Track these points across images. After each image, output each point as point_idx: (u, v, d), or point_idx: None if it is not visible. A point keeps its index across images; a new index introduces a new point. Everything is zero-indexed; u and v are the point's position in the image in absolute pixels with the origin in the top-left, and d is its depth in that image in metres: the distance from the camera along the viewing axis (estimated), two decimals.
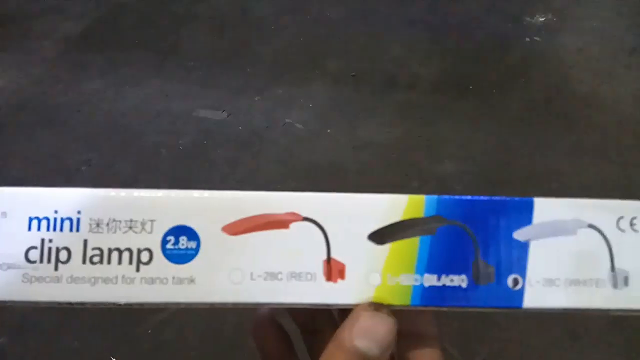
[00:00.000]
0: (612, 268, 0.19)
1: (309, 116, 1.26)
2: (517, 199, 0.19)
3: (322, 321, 0.23)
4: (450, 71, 1.38)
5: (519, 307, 0.18)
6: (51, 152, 1.19)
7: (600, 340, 0.86)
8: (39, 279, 0.18)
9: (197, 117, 1.27)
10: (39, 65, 1.41)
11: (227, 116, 1.27)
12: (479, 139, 1.20)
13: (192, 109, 1.28)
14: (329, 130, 1.23)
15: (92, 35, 1.52)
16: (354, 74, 1.37)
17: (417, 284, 0.18)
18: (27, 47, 1.47)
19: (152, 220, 0.18)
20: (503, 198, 0.19)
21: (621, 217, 0.19)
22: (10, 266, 0.18)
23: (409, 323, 0.21)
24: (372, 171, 1.14)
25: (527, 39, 1.47)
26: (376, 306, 0.19)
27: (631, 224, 0.19)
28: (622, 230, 0.19)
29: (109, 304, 0.18)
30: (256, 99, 1.31)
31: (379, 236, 0.19)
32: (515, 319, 0.88)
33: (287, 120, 1.25)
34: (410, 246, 0.18)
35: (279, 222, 0.19)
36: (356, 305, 0.19)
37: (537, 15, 1.54)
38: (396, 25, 1.52)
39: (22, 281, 0.18)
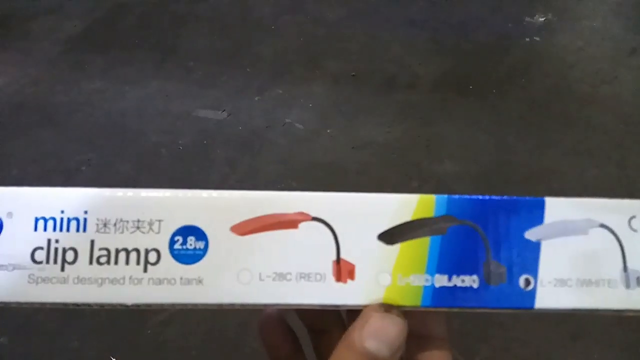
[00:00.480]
0: (625, 268, 0.18)
1: (309, 116, 1.26)
2: (528, 198, 0.19)
3: (330, 321, 0.23)
4: (450, 71, 1.38)
5: (531, 307, 0.18)
6: (51, 152, 1.19)
7: (601, 340, 0.86)
8: (45, 280, 0.18)
9: (197, 117, 1.27)
10: (39, 65, 1.41)
11: (227, 116, 1.27)
12: (479, 139, 1.20)
13: (192, 109, 1.28)
14: (328, 130, 1.23)
15: (92, 35, 1.52)
16: (354, 74, 1.37)
17: (428, 284, 0.18)
18: (27, 47, 1.47)
19: (159, 220, 0.18)
20: (514, 198, 0.19)
21: (633, 217, 0.19)
22: (16, 267, 0.18)
23: (418, 324, 0.21)
24: (372, 171, 1.14)
25: (527, 39, 1.47)
26: (387, 307, 0.18)
27: None
28: (634, 230, 0.19)
29: (117, 304, 0.18)
30: (256, 99, 1.31)
31: (389, 236, 0.18)
32: (517, 318, 0.88)
33: (287, 120, 1.25)
34: (420, 246, 0.18)
35: (287, 222, 0.18)
36: (366, 306, 0.18)
37: (537, 15, 1.54)
38: (396, 25, 1.52)
39: (28, 282, 0.18)
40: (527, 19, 1.53)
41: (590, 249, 0.19)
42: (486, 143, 1.19)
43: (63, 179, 1.13)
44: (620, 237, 0.19)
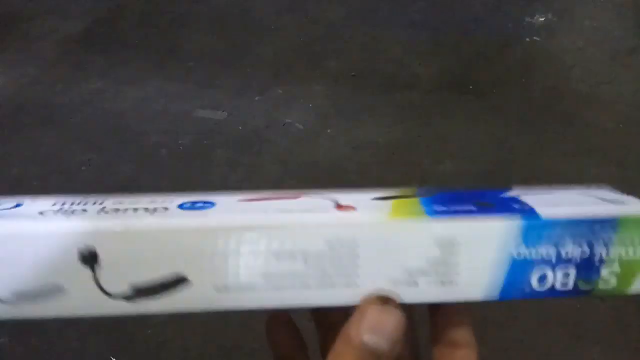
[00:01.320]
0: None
1: (309, 116, 1.26)
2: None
3: (338, 316, 0.23)
4: (450, 71, 1.38)
5: (538, 218, 0.18)
6: (51, 152, 1.19)
7: (601, 340, 0.86)
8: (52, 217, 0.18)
9: (197, 117, 1.27)
10: (39, 65, 1.41)
11: (227, 116, 1.27)
12: (479, 139, 1.20)
13: (192, 109, 1.28)
14: (328, 130, 1.23)
15: (92, 35, 1.52)
16: (354, 74, 1.38)
17: (428, 208, 0.19)
18: (27, 47, 1.47)
19: (171, 201, 0.20)
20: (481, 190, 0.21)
21: None
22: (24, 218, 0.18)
23: (445, 330, 0.21)
24: (372, 171, 1.14)
25: (527, 39, 1.47)
26: (384, 300, 0.18)
27: None
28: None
29: (119, 230, 0.18)
30: (256, 99, 1.31)
31: (382, 198, 0.20)
32: (516, 318, 0.88)
33: (287, 120, 1.25)
34: (412, 201, 0.20)
35: (290, 195, 0.20)
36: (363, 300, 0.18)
37: (537, 15, 1.54)
38: (396, 25, 1.53)
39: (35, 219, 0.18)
40: (527, 19, 1.53)
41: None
42: (486, 143, 1.19)
43: (63, 179, 1.13)
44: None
